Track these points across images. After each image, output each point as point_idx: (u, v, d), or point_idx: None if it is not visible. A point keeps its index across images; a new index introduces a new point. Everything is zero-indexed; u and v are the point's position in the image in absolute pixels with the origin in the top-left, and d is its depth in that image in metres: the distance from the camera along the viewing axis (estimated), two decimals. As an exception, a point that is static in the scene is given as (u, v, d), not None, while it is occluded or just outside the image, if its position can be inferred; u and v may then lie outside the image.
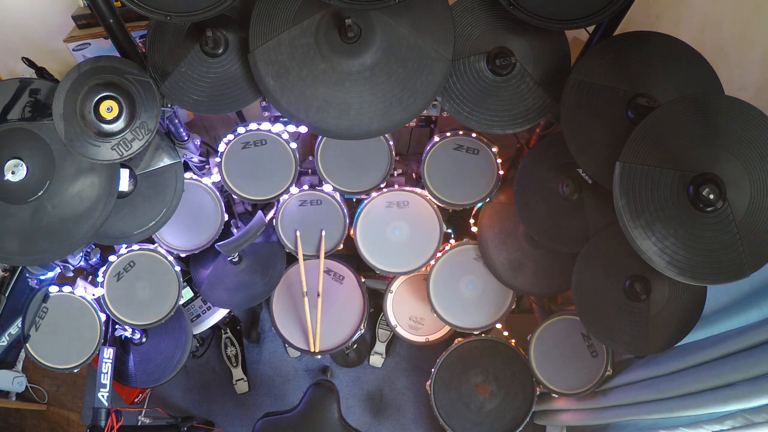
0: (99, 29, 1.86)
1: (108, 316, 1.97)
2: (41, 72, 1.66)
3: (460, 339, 2.09)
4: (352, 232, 2.10)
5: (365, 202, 2.08)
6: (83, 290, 1.92)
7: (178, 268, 2.00)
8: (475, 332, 2.09)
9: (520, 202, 1.80)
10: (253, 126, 1.90)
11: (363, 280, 2.21)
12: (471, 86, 1.61)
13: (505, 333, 2.11)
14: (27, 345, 1.86)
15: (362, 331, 2.18)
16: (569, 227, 1.72)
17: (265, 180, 1.99)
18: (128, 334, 2.09)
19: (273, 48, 1.52)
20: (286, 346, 2.79)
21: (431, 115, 1.82)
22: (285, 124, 1.93)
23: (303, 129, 1.88)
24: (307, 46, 1.52)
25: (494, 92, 1.61)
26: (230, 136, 1.91)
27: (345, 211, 2.09)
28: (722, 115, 1.32)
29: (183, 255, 2.09)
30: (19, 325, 2.60)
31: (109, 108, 1.46)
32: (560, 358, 1.96)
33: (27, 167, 1.50)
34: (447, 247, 2.10)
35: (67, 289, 1.89)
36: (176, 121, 1.79)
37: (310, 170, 2.10)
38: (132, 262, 1.99)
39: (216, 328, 2.69)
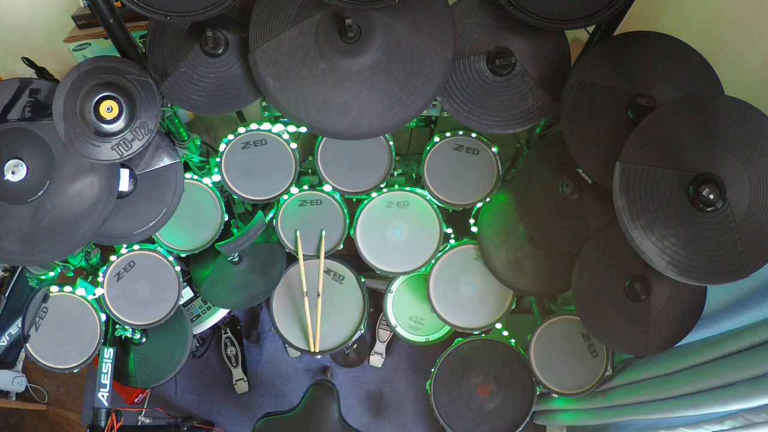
0: (99, 29, 1.86)
1: (108, 316, 1.97)
2: (41, 72, 1.66)
3: (460, 339, 2.09)
4: (352, 232, 2.10)
5: (365, 202, 2.08)
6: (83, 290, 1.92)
7: (178, 268, 2.00)
8: (475, 332, 2.09)
9: (520, 202, 1.80)
10: (253, 126, 1.90)
11: (363, 280, 2.21)
12: (471, 86, 1.61)
13: (505, 333, 2.11)
14: (27, 345, 1.86)
15: (362, 331, 2.18)
16: (569, 227, 1.72)
17: (265, 180, 1.99)
18: (128, 334, 2.09)
19: (273, 48, 1.52)
20: (286, 346, 2.79)
21: (431, 115, 1.82)
22: (285, 124, 1.93)
23: (303, 129, 1.88)
24: (307, 46, 1.52)
25: (494, 92, 1.61)
26: (230, 136, 1.92)
27: (345, 211, 2.09)
28: (722, 115, 1.33)
29: (183, 255, 2.09)
30: (19, 325, 2.60)
31: (109, 108, 1.46)
32: (560, 358, 1.96)
33: (27, 167, 1.50)
34: (447, 247, 2.10)
35: (67, 289, 1.89)
36: (176, 120, 1.79)
37: (310, 170, 2.10)
38: (132, 262, 1.99)
39: (216, 328, 2.69)
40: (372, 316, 2.79)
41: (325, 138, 1.93)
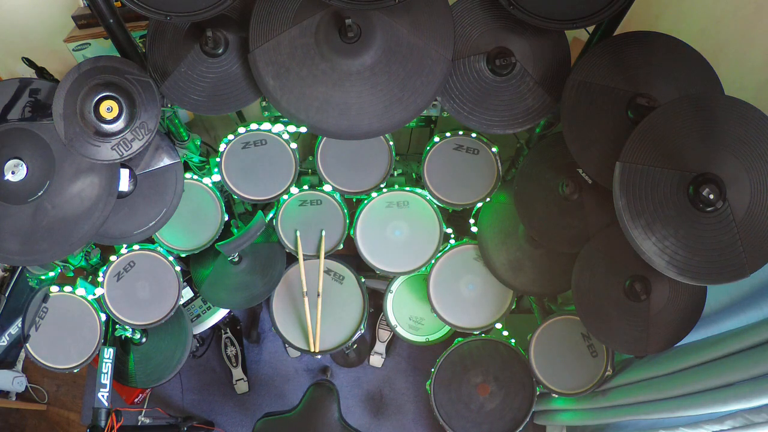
0: (99, 29, 1.86)
1: (108, 316, 1.97)
2: (41, 72, 1.66)
3: (460, 339, 2.09)
4: (352, 232, 2.10)
5: (365, 202, 2.08)
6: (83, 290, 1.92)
7: (178, 268, 2.00)
8: (475, 332, 2.09)
9: (520, 202, 1.80)
10: (253, 126, 1.90)
11: (363, 280, 2.21)
12: (471, 86, 1.61)
13: (505, 333, 2.11)
14: (27, 345, 1.86)
15: (362, 331, 2.18)
16: (569, 227, 1.72)
17: (265, 180, 1.99)
18: (128, 334, 2.09)
19: (273, 48, 1.52)
20: (286, 346, 2.79)
21: (431, 115, 1.82)
22: (285, 124, 1.93)
23: (303, 129, 1.88)
24: (307, 46, 1.52)
25: (494, 92, 1.61)
26: (230, 136, 1.92)
27: (345, 211, 2.09)
28: (722, 115, 1.33)
29: (183, 255, 2.09)
30: (19, 325, 2.60)
31: (109, 108, 1.46)
32: (560, 358, 1.96)
33: (27, 167, 1.50)
34: (447, 247, 2.10)
35: (67, 289, 1.89)
36: (176, 120, 1.79)
37: (310, 170, 2.10)
38: (132, 262, 1.99)
39: (216, 328, 2.69)
40: (372, 316, 2.79)
41: (325, 138, 1.93)
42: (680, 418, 1.66)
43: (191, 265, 2.25)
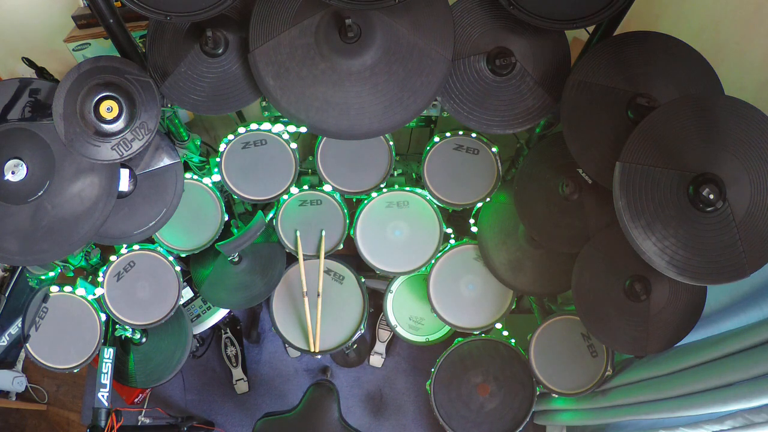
0: (99, 29, 1.86)
1: (108, 316, 1.97)
2: (41, 72, 1.66)
3: (460, 339, 2.09)
4: (352, 232, 2.10)
5: (365, 202, 2.08)
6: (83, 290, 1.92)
7: (178, 268, 2.00)
8: (475, 332, 2.09)
9: (520, 202, 1.80)
10: (253, 126, 1.90)
11: (363, 280, 2.21)
12: (471, 86, 1.61)
13: (505, 333, 2.11)
14: (27, 345, 1.86)
15: (362, 331, 2.18)
16: (569, 227, 1.72)
17: (265, 180, 1.99)
18: (128, 334, 2.09)
19: (273, 48, 1.52)
20: (286, 346, 2.79)
21: (431, 115, 1.82)
22: (285, 124, 1.93)
23: (303, 129, 1.88)
24: (307, 46, 1.52)
25: (494, 92, 1.61)
26: (230, 136, 1.92)
27: (345, 211, 2.09)
28: (722, 115, 1.33)
29: (183, 255, 2.09)
30: (19, 325, 2.60)
31: (109, 108, 1.46)
32: (560, 358, 1.96)
33: (27, 167, 1.50)
34: (447, 247, 2.10)
35: (67, 289, 1.89)
36: (176, 120, 1.79)
37: (310, 170, 2.10)
38: (132, 262, 1.99)
39: (216, 328, 2.69)
40: (372, 316, 2.79)
41: (325, 138, 1.93)
42: (680, 418, 1.66)
43: (191, 265, 2.26)
